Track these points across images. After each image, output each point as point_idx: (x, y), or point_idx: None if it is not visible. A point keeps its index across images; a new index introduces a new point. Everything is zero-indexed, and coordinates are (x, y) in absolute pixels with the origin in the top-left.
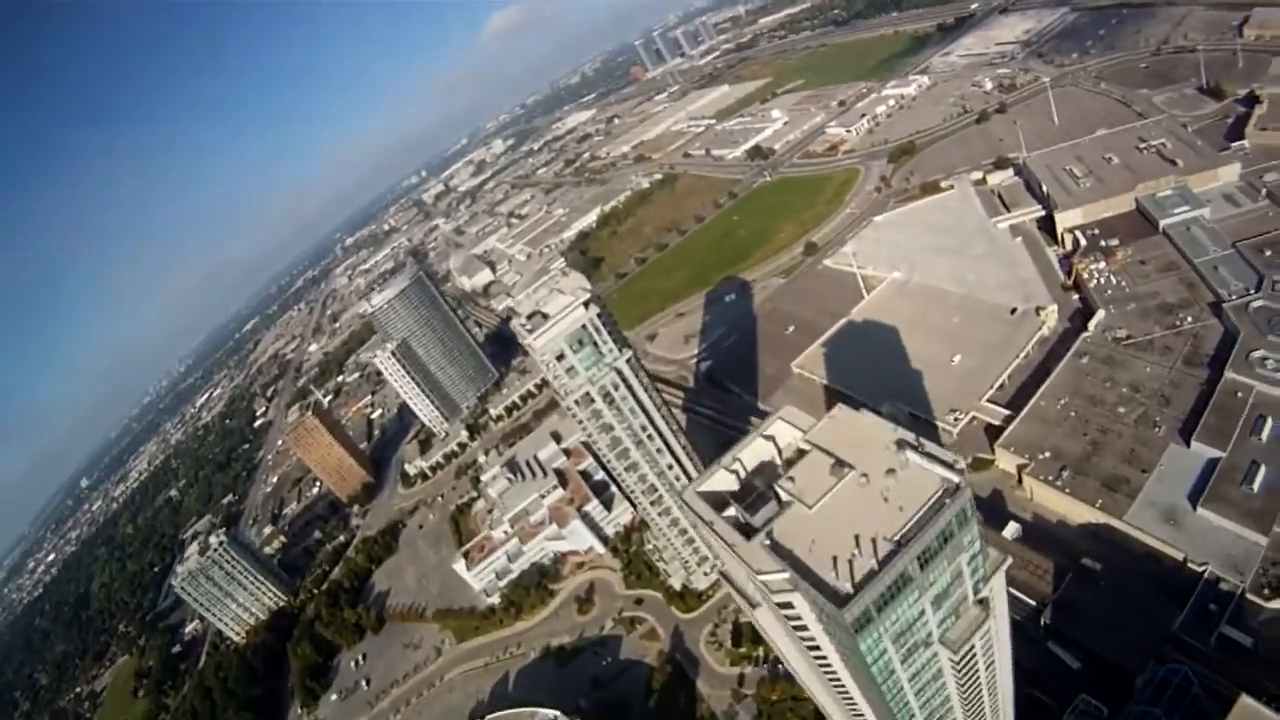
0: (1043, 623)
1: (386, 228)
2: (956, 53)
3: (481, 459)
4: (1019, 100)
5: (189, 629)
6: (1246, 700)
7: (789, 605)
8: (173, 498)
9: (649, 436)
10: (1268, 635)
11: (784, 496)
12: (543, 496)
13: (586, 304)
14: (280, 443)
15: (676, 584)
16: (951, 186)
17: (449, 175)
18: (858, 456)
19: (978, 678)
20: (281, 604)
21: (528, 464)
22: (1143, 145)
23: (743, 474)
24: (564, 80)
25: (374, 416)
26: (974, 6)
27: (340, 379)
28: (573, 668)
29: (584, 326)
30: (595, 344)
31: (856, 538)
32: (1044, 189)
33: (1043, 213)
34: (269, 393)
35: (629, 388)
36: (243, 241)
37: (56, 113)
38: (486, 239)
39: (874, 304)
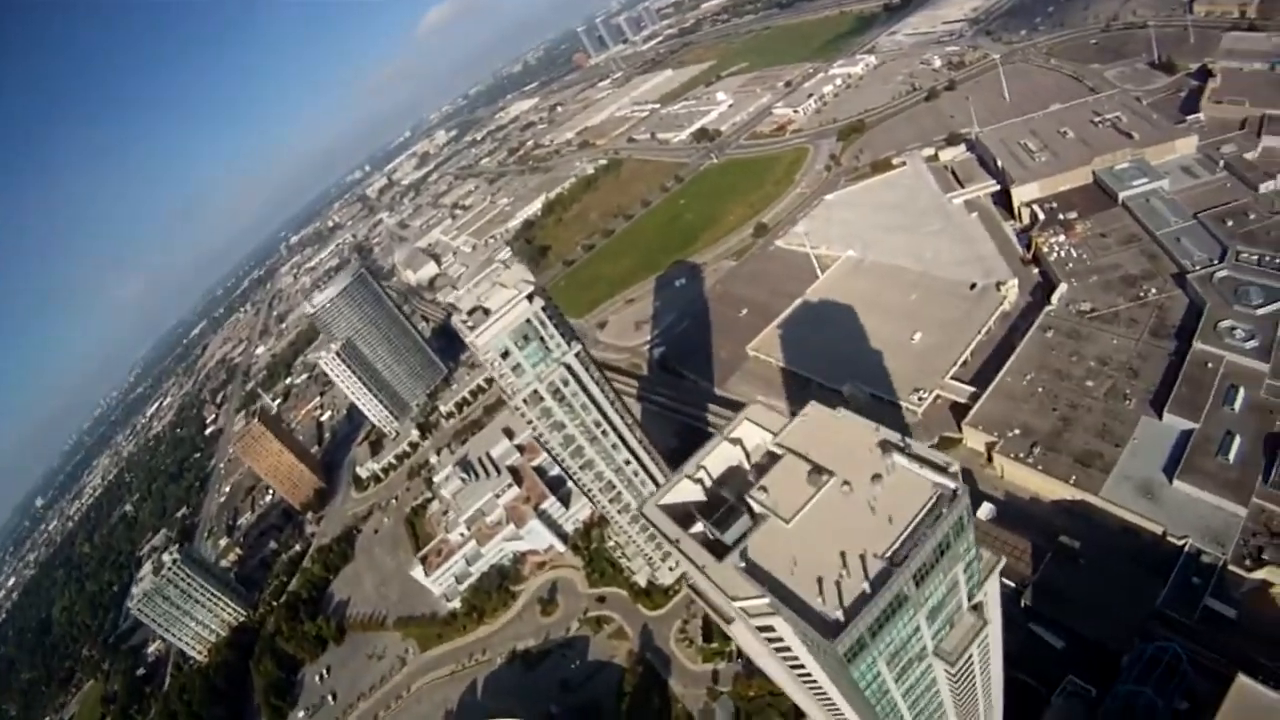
0: (1023, 604)
1: (331, 224)
2: (903, 31)
3: (433, 459)
4: (969, 77)
5: (151, 649)
6: (1243, 679)
7: (770, 628)
8: (127, 513)
9: (603, 433)
10: (1250, 606)
11: (757, 509)
12: (498, 496)
13: (530, 297)
14: (231, 450)
15: (641, 580)
16: (903, 163)
17: (392, 169)
18: (837, 461)
19: (973, 683)
20: (241, 619)
21: (480, 462)
22: (1097, 119)
23: (708, 483)
24: (507, 69)
25: (324, 419)
26: None
27: (289, 381)
28: (541, 671)
29: (528, 321)
30: (541, 339)
31: (843, 555)
32: (999, 164)
33: (997, 188)
34: (218, 399)
35: (579, 383)
36: (185, 244)
37: None
38: (431, 232)
39: (829, 283)
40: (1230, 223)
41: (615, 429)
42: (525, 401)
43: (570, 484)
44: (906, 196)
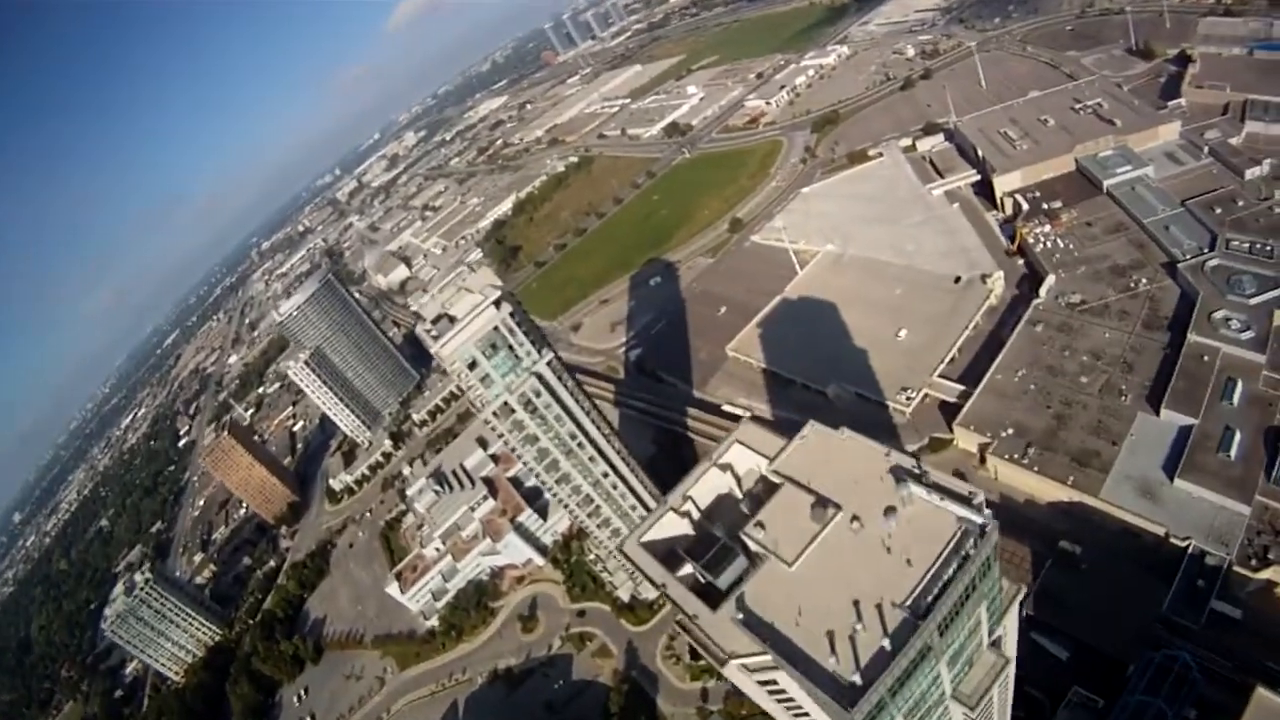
0: (1024, 614)
1: (301, 229)
2: (875, 21)
3: (406, 471)
4: (943, 66)
5: (129, 670)
6: (1262, 691)
7: (772, 680)
8: (103, 528)
9: (579, 445)
10: (1255, 606)
11: (753, 547)
12: (473, 509)
13: (498, 303)
14: (201, 463)
15: (624, 595)
16: (880, 154)
17: (362, 171)
18: (844, 491)
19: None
20: (217, 638)
21: (454, 474)
22: (1078, 106)
23: (696, 516)
24: (475, 69)
25: (296, 429)
26: None
27: (261, 390)
28: (523, 692)
29: (496, 328)
30: (510, 347)
31: (856, 604)
32: (978, 153)
33: (978, 177)
34: (191, 410)
35: (552, 393)
36: (157, 252)
37: None
38: (401, 234)
39: (808, 279)
40: (1218, 210)
41: (592, 440)
42: (496, 414)
43: (548, 495)
44: (885, 188)
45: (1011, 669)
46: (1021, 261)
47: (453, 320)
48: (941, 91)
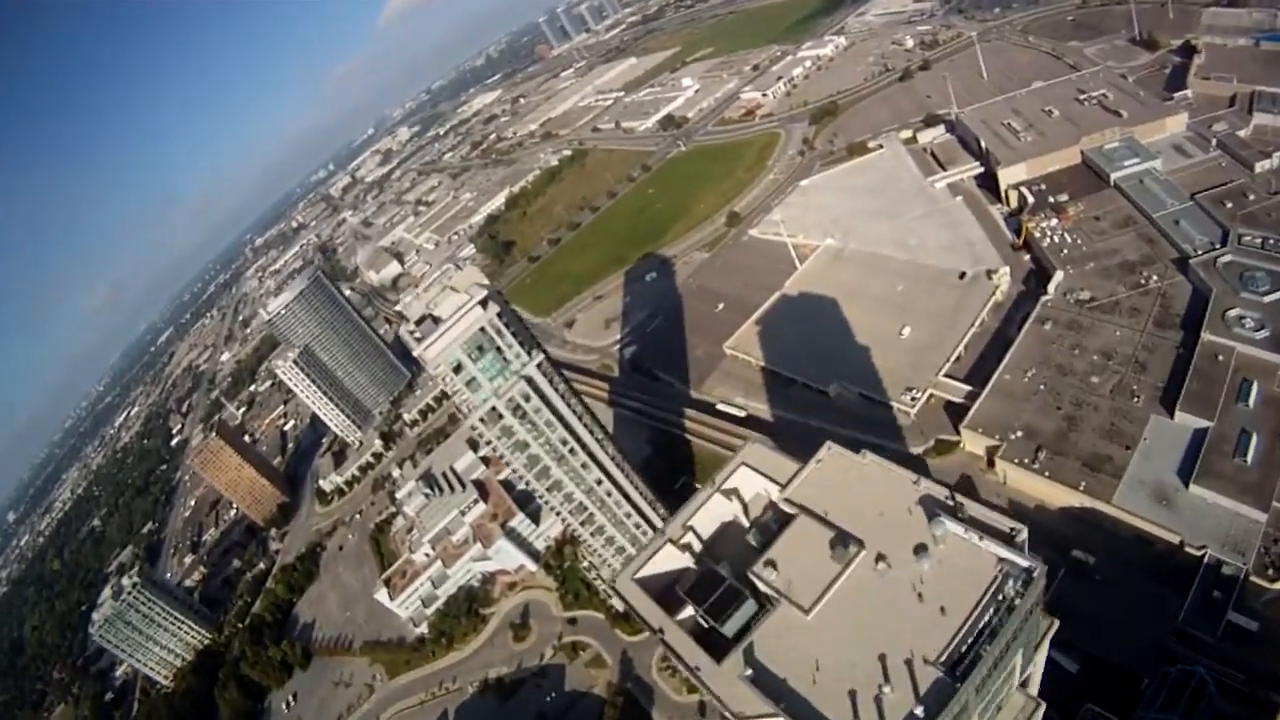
0: None
1: (295, 225)
2: (872, 12)
3: (396, 473)
4: (943, 56)
5: (119, 673)
6: None
7: None
8: (95, 528)
9: (571, 451)
10: (1271, 617)
11: (764, 589)
12: (463, 513)
13: (485, 302)
14: (189, 464)
15: (619, 604)
16: (880, 146)
17: (356, 166)
18: (867, 526)
19: None
20: (206, 642)
21: (445, 476)
22: (1083, 97)
23: (697, 548)
24: (469, 63)
25: (288, 428)
26: None
27: (253, 388)
28: (515, 703)
29: (483, 330)
30: (498, 349)
31: (882, 659)
32: (982, 145)
33: (981, 169)
34: (184, 408)
35: (542, 397)
36: (152, 250)
37: None
38: (394, 229)
39: (808, 274)
40: (1229, 204)
41: (584, 446)
42: (483, 420)
43: (539, 502)
44: (886, 180)
45: (1041, 712)
46: (1028, 256)
47: (437, 321)
48: (942, 82)
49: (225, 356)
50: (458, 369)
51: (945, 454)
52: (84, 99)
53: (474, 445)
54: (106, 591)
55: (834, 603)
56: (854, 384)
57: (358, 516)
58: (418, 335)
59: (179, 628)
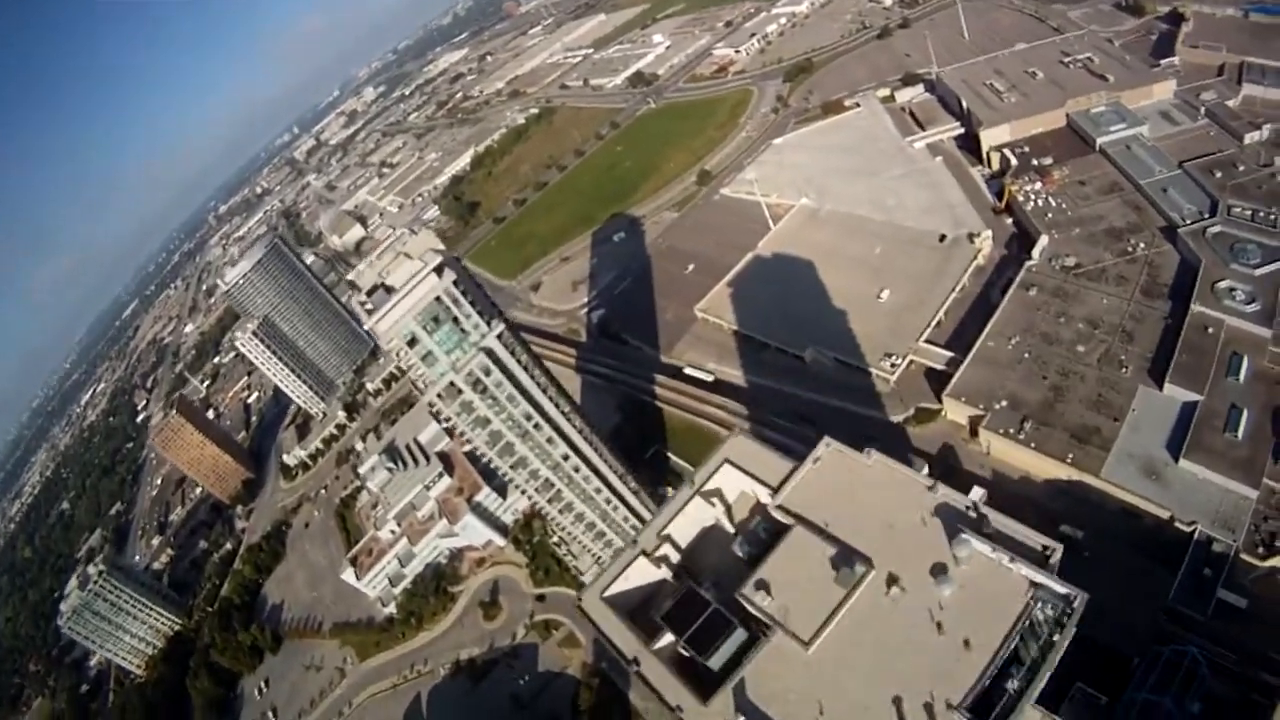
0: None
1: (259, 190)
2: None
3: (359, 445)
4: (923, 15)
5: (93, 663)
6: None
7: None
8: (65, 511)
9: (535, 426)
10: (1260, 593)
11: (755, 613)
12: (428, 488)
13: (440, 270)
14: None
15: (590, 579)
16: (857, 105)
17: (320, 129)
18: (875, 540)
19: None
20: (177, 628)
21: (408, 449)
22: (1067, 59)
23: (675, 560)
24: (436, 21)
25: (251, 400)
26: None
27: (217, 360)
28: (488, 685)
29: (438, 299)
30: (455, 319)
31: (897, 702)
32: (963, 105)
33: (962, 130)
34: (149, 383)
35: (504, 370)
36: (115, 220)
37: None
38: (357, 193)
39: (782, 235)
40: (1218, 174)
41: (549, 420)
42: (441, 395)
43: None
44: (863, 139)
45: None
46: (1010, 220)
47: (390, 291)
48: (921, 41)
49: (189, 328)
50: (412, 342)
51: (926, 423)
52: (41, 67)
53: (438, 416)
54: (73, 581)
55: (838, 634)
56: (830, 349)
57: (323, 492)
58: (369, 306)
59: (148, 615)
